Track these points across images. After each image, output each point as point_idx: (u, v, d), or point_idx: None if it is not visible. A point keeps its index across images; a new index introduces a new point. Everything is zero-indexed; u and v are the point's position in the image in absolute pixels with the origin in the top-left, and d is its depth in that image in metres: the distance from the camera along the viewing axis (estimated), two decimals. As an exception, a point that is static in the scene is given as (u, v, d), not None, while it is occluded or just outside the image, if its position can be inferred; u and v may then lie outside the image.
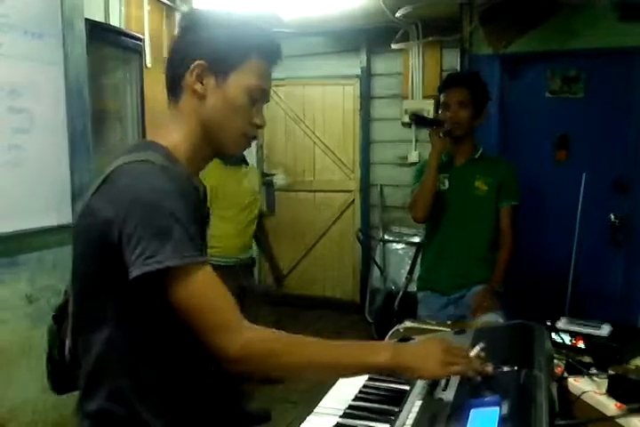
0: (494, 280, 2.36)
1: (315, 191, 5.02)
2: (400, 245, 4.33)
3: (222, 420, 1.14)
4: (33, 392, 2.15)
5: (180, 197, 0.95)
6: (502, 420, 0.87)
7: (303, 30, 4.33)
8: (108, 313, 1.00)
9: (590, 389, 1.26)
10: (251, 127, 1.11)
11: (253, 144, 4.81)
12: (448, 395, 1.02)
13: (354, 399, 1.08)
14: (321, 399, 1.11)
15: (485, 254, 2.41)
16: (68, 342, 1.11)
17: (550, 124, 3.76)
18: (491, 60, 3.78)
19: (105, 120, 3.14)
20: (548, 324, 1.56)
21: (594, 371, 1.36)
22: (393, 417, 0.99)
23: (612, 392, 1.21)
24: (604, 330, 1.52)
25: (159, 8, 3.64)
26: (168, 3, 3.70)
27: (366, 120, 4.69)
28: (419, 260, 3.84)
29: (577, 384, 1.30)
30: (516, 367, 1.03)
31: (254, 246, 3.47)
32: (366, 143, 4.72)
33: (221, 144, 1.11)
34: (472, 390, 1.01)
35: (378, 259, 4.41)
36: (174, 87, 1.09)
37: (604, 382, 1.26)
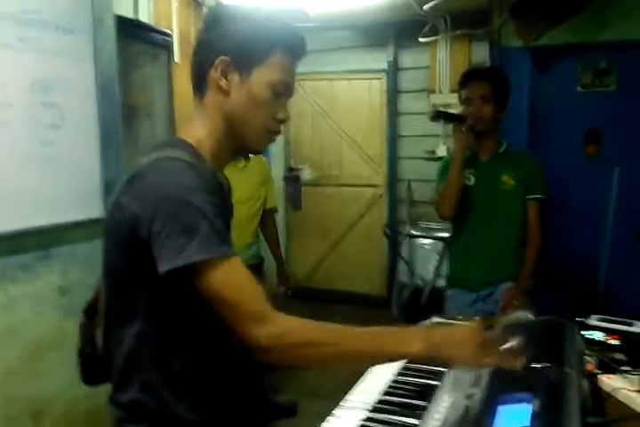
0: (523, 277, 2.33)
1: (341, 186, 5.01)
2: (427, 240, 4.30)
3: (250, 412, 1.15)
4: (66, 383, 2.19)
5: (206, 193, 0.96)
6: (533, 417, 0.86)
7: (330, 24, 4.32)
8: (139, 308, 1.02)
9: (623, 386, 1.24)
10: (274, 122, 1.12)
11: (280, 139, 4.82)
12: (478, 391, 1.01)
13: (383, 394, 1.08)
14: (349, 393, 1.11)
15: (514, 250, 2.38)
16: (99, 337, 1.13)
17: (581, 119, 3.70)
18: (520, 53, 3.72)
19: (134, 115, 3.18)
20: (580, 320, 1.54)
21: (626, 368, 1.34)
22: (422, 412, 0.98)
23: (645, 390, 1.19)
24: (638, 327, 1.50)
25: (187, 3, 3.66)
26: (197, -2, 3.72)
27: (393, 114, 4.66)
28: (446, 255, 3.83)
29: (609, 381, 1.28)
30: (546, 364, 1.02)
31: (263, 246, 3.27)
32: (393, 137, 4.69)
33: (245, 140, 1.12)
34: (502, 387, 1.00)
35: (405, 254, 4.39)
36: (199, 83, 1.10)
37: (637, 380, 1.24)
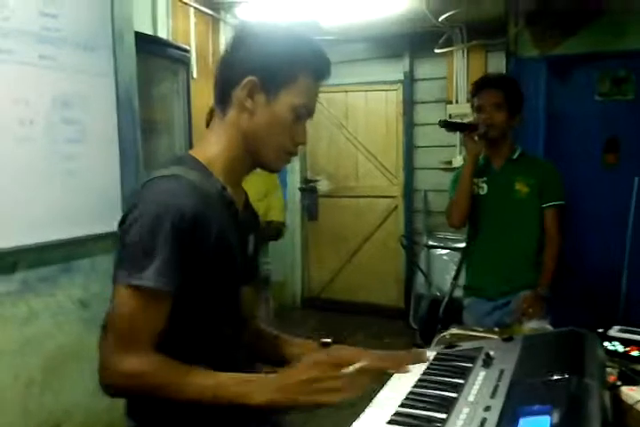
0: (541, 285, 2.31)
1: (358, 197, 5.02)
2: (445, 251, 4.29)
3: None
4: (86, 395, 2.22)
5: (187, 219, 0.97)
6: (553, 429, 0.86)
7: (345, 37, 4.36)
8: None
9: (645, 399, 1.22)
10: (292, 145, 1.12)
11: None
12: (496, 402, 1.01)
13: (400, 406, 1.07)
14: (368, 406, 1.11)
15: (530, 258, 2.36)
16: None
17: (600, 128, 3.67)
18: (537, 63, 3.72)
19: (153, 130, 3.23)
20: (600, 331, 1.52)
21: (649, 380, 1.32)
22: (440, 424, 0.98)
23: (668, 403, 1.17)
24: (660, 338, 1.47)
25: (205, 20, 3.72)
26: (214, 14, 3.78)
27: (409, 125, 4.67)
28: (464, 265, 3.81)
29: (631, 393, 1.26)
30: (566, 375, 1.01)
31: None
32: (409, 148, 4.70)
33: (262, 159, 1.12)
34: (521, 399, 0.99)
35: (422, 265, 4.37)
36: (223, 99, 1.10)
37: (660, 392, 1.22)
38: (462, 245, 3.98)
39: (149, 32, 3.20)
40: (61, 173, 2.19)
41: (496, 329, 1.84)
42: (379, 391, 1.17)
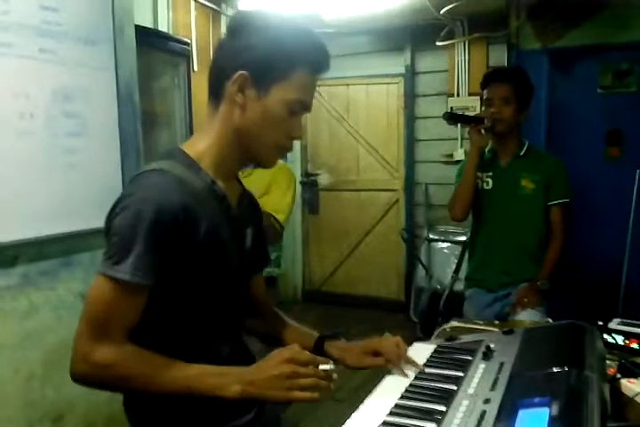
0: (539, 277, 2.33)
1: (359, 190, 5.01)
2: (445, 244, 4.29)
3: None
4: (86, 388, 2.23)
5: (168, 214, 0.97)
6: (552, 421, 0.86)
7: (346, 29, 4.34)
8: None
9: (644, 391, 1.23)
10: (286, 140, 1.10)
11: (297, 144, 4.84)
12: (496, 395, 1.01)
13: (400, 398, 1.08)
14: (367, 397, 1.11)
15: (533, 252, 2.37)
16: None
17: (602, 121, 3.66)
18: (539, 55, 3.71)
19: (153, 123, 3.22)
20: (600, 324, 1.52)
21: (649, 373, 1.32)
22: (440, 417, 0.98)
23: (667, 395, 1.18)
24: (660, 331, 1.48)
25: (206, 13, 3.71)
26: (214, 7, 3.77)
27: (410, 118, 4.66)
28: (465, 258, 3.81)
29: (631, 386, 1.26)
30: (566, 368, 1.02)
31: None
32: (411, 141, 4.69)
33: (253, 154, 1.11)
34: (521, 391, 0.99)
35: (423, 258, 4.38)
36: (216, 93, 1.08)
37: (660, 385, 1.22)
38: (463, 238, 4.00)
39: (150, 25, 3.18)
40: (62, 166, 2.18)
41: (496, 322, 1.84)
42: (379, 383, 1.17)
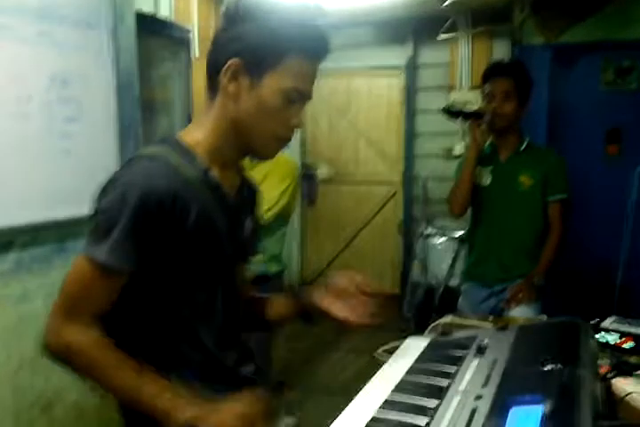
0: (535, 272, 2.33)
1: (357, 183, 5.00)
2: (442, 239, 4.28)
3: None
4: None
5: (154, 199, 0.96)
6: (544, 419, 0.85)
7: (348, 21, 4.30)
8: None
9: (637, 389, 1.22)
10: (285, 129, 1.07)
11: (296, 136, 4.81)
12: (488, 392, 1.00)
13: (392, 392, 1.07)
14: (359, 391, 1.11)
15: (531, 248, 2.37)
16: None
17: (602, 118, 3.65)
18: (542, 51, 3.69)
19: (152, 110, 3.20)
20: (595, 322, 1.52)
21: (641, 372, 1.32)
22: (432, 412, 0.98)
23: (660, 395, 1.18)
24: (654, 330, 1.47)
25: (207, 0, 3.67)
26: (216, -6, 3.73)
27: (411, 111, 4.64)
28: (461, 254, 3.81)
29: (622, 385, 1.26)
30: (559, 366, 1.01)
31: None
32: (410, 135, 4.67)
33: (251, 146, 1.08)
34: (513, 388, 0.99)
35: (419, 252, 4.37)
36: (212, 83, 1.06)
37: (652, 384, 1.22)
38: (460, 233, 3.99)
39: (151, 11, 3.15)
40: (58, 151, 2.17)
41: (490, 318, 1.84)
42: (371, 377, 1.17)
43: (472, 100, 4.16)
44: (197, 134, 1.08)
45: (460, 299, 2.53)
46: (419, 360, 1.23)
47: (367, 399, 1.06)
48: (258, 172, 2.42)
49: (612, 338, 1.50)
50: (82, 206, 2.25)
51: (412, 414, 0.97)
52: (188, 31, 3.42)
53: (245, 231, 1.17)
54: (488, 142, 2.39)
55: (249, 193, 1.21)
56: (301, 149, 5.10)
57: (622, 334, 1.50)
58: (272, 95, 1.02)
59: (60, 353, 0.99)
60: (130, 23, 2.53)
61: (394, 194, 4.88)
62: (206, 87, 1.09)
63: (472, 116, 2.36)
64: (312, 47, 1.04)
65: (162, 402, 0.96)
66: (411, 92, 4.62)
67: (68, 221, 2.22)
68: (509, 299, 2.30)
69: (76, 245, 2.29)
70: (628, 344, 1.48)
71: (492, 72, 2.36)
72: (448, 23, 4.19)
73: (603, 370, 1.30)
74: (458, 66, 4.34)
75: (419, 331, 1.62)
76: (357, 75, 4.83)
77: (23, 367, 2.12)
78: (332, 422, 0.97)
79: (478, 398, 0.99)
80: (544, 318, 1.88)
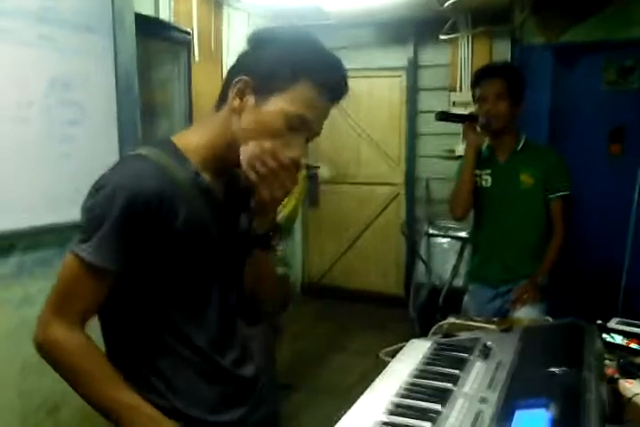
0: (539, 272, 2.32)
1: (359, 184, 4.99)
2: (445, 240, 4.27)
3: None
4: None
5: (141, 200, 0.96)
6: (550, 422, 0.85)
7: (349, 22, 4.30)
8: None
9: (643, 392, 1.21)
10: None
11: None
12: (494, 395, 1.00)
13: (396, 396, 1.06)
14: (363, 394, 1.10)
15: (534, 248, 2.35)
16: None
17: (605, 117, 3.64)
18: (543, 51, 3.68)
19: (153, 113, 3.20)
20: (600, 323, 1.51)
21: (648, 373, 1.30)
22: (436, 416, 0.97)
23: (666, 396, 1.16)
24: (660, 331, 1.46)
25: (207, 2, 3.67)
26: (216, -4, 3.73)
27: (412, 112, 4.63)
28: (464, 254, 3.80)
29: (629, 386, 1.25)
30: (565, 368, 1.00)
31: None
32: (412, 136, 4.66)
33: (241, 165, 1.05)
34: (519, 391, 0.98)
35: (423, 253, 4.36)
36: (222, 97, 1.07)
37: (659, 386, 1.21)
38: (463, 233, 3.98)
39: (151, 14, 3.15)
40: (59, 155, 2.16)
41: (495, 319, 1.83)
42: (375, 380, 1.16)
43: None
44: (194, 139, 1.08)
45: (466, 299, 2.52)
46: (423, 362, 1.22)
47: (370, 403, 1.05)
48: None
49: (619, 339, 1.49)
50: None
51: (416, 418, 0.97)
52: (189, 34, 3.42)
53: (241, 228, 1.17)
54: (485, 145, 2.39)
55: (243, 189, 1.18)
56: (303, 150, 5.09)
57: (628, 335, 1.49)
58: (273, 116, 1.00)
59: (44, 350, 1.01)
60: (130, 26, 2.53)
61: (396, 195, 4.87)
62: (218, 97, 1.09)
63: (467, 119, 2.35)
64: (327, 79, 1.02)
65: (132, 421, 0.99)
66: (412, 93, 4.61)
67: (69, 225, 2.21)
68: (515, 300, 2.29)
69: (78, 249, 2.29)
70: (635, 345, 1.46)
71: (482, 75, 2.35)
72: (448, 24, 4.17)
73: (609, 372, 1.29)
74: (459, 66, 4.33)
75: (423, 331, 1.61)
76: (358, 76, 4.81)
77: (28, 370, 2.11)
78: (334, 426, 0.97)
79: (483, 401, 0.99)
80: (549, 319, 1.87)
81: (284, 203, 2.48)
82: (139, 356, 1.06)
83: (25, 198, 2.04)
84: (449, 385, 1.08)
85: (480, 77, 2.35)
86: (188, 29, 3.43)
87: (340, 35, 4.29)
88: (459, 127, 4.20)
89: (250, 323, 1.23)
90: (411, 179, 4.72)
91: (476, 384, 1.07)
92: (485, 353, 1.20)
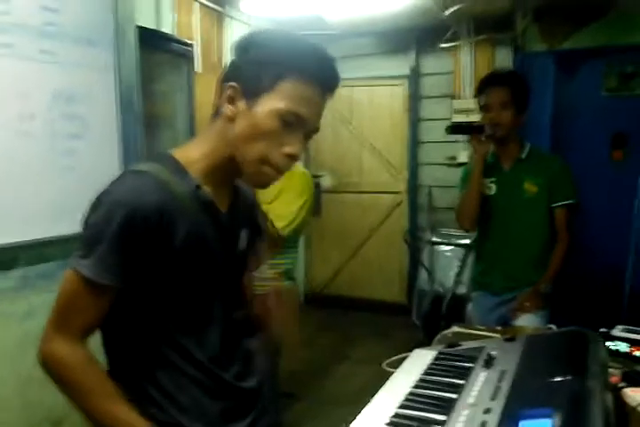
0: (542, 280, 2.31)
1: (362, 193, 4.99)
2: (448, 247, 4.27)
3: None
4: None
5: (140, 216, 0.96)
6: (554, 432, 0.84)
7: (351, 31, 4.33)
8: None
9: (649, 400, 1.20)
10: (279, 156, 1.02)
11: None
12: (497, 405, 0.99)
13: (399, 407, 1.06)
14: (366, 405, 1.09)
15: (539, 256, 2.34)
16: None
17: (607, 123, 3.64)
18: (545, 57, 3.69)
19: (156, 125, 3.21)
20: (603, 331, 1.50)
21: (653, 382, 1.29)
22: (439, 426, 0.96)
23: (672, 405, 1.15)
24: (665, 338, 1.45)
25: (210, 14, 3.69)
26: (218, 9, 3.75)
27: (415, 120, 4.64)
28: (468, 262, 3.79)
29: (634, 395, 1.24)
30: (568, 377, 1.00)
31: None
32: (414, 144, 4.67)
33: (243, 172, 1.06)
34: (522, 401, 0.97)
35: (426, 261, 4.35)
36: (218, 105, 1.06)
37: (664, 394, 1.20)
38: (466, 241, 3.98)
39: (153, 26, 3.17)
40: (61, 168, 2.17)
41: (498, 328, 1.82)
42: (378, 390, 1.15)
43: (474, 108, 4.16)
44: (194, 153, 1.08)
45: (470, 307, 2.51)
46: (426, 372, 1.22)
47: (374, 413, 1.05)
48: (272, 186, 2.26)
49: (623, 346, 1.48)
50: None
51: (419, 430, 0.96)
52: (191, 46, 3.44)
53: (241, 243, 1.17)
54: (490, 152, 2.39)
55: (244, 204, 1.20)
56: (305, 158, 5.10)
57: (633, 343, 1.48)
58: (266, 117, 1.00)
59: (46, 365, 1.01)
60: (131, 39, 2.55)
61: (399, 203, 4.87)
62: (212, 109, 1.09)
63: (474, 131, 2.35)
64: (315, 71, 1.01)
65: None
66: (414, 101, 4.63)
67: (72, 238, 2.21)
68: (516, 308, 2.28)
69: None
70: (639, 353, 1.46)
71: (488, 82, 2.34)
72: (450, 32, 4.19)
73: (613, 380, 1.28)
74: (460, 74, 4.35)
75: (427, 339, 1.60)
76: (360, 85, 4.83)
77: (31, 383, 2.11)
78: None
79: (487, 411, 0.98)
80: (553, 327, 1.86)
81: (293, 215, 2.43)
82: (140, 369, 1.06)
83: (28, 211, 2.05)
84: (453, 395, 1.08)
85: (485, 85, 2.34)
86: (190, 41, 3.45)
87: (342, 44, 4.32)
88: (460, 135, 4.28)
89: (251, 334, 1.23)
90: (413, 187, 4.73)
91: (481, 394, 1.06)
92: (489, 362, 1.19)
